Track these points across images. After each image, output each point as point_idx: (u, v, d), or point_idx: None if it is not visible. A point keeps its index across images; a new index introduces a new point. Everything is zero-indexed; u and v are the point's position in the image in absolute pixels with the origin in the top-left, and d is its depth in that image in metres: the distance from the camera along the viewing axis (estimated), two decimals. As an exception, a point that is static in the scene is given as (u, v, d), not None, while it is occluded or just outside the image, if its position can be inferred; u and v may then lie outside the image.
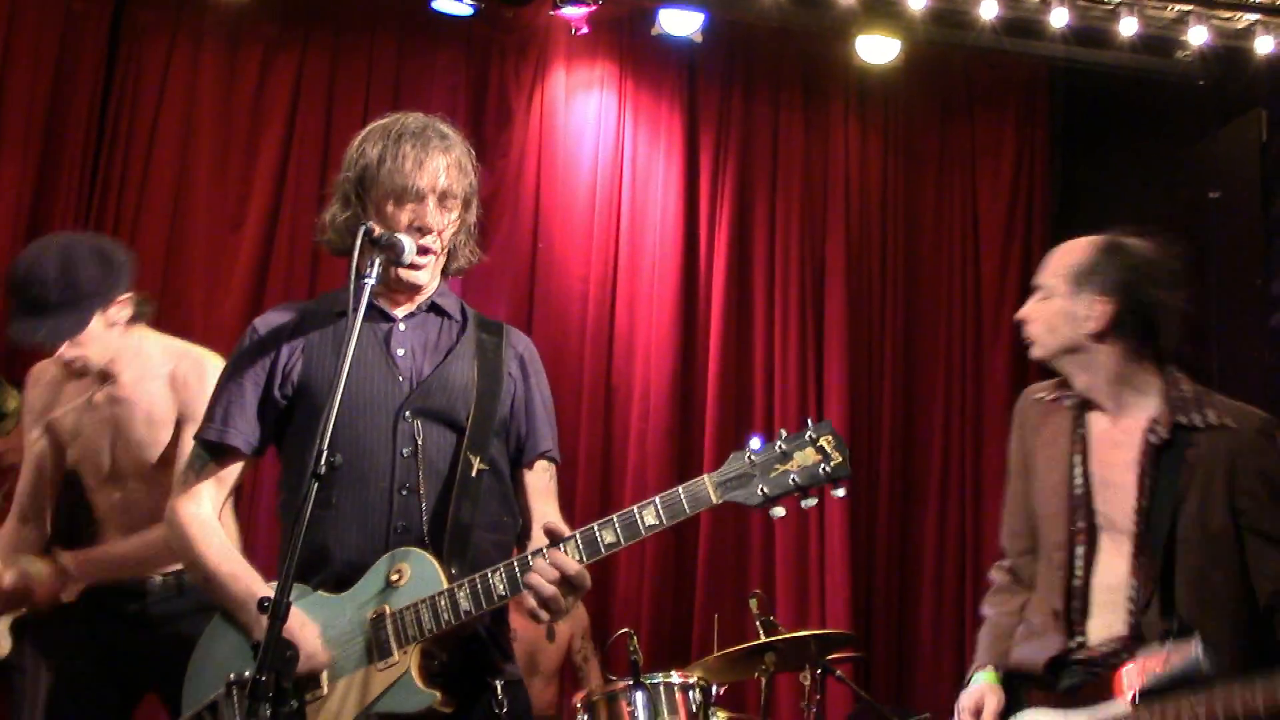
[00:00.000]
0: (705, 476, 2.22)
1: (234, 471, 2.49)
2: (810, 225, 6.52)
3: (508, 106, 6.36)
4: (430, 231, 2.43)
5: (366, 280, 2.26)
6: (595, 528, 2.24)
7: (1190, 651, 2.52)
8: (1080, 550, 2.73)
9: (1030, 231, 6.58)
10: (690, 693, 4.24)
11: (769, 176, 6.55)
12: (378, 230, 2.33)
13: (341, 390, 2.14)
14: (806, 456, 2.21)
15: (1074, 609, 2.71)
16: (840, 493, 2.24)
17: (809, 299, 6.43)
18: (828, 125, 6.63)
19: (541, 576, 2.20)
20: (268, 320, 2.53)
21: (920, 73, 6.51)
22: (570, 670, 5.49)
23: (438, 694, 2.23)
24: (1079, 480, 2.76)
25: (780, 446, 2.23)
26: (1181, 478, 2.67)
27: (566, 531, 2.26)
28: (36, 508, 3.29)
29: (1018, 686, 2.77)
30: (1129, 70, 5.80)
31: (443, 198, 2.44)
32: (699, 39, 6.08)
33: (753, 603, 4.70)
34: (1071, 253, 2.86)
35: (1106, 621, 2.68)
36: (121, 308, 3.12)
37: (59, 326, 2.99)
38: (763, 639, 4.50)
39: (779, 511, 2.24)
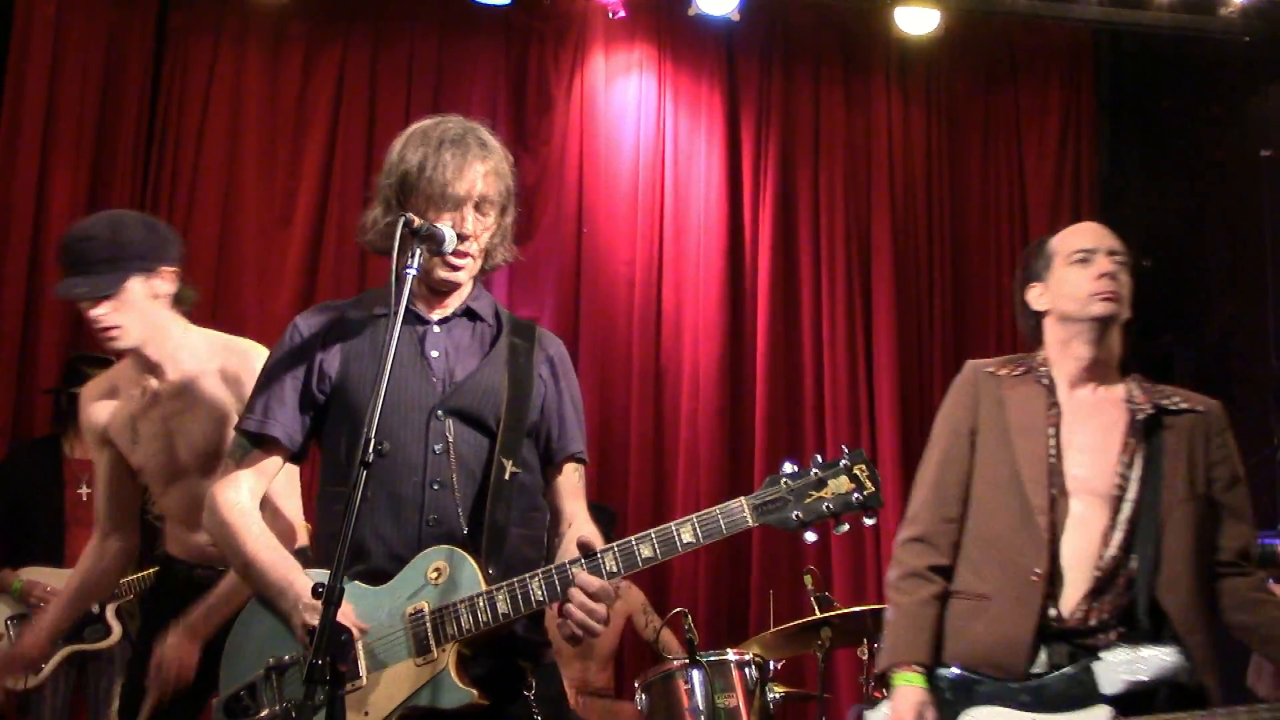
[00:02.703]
0: (743, 500, 2.27)
1: (274, 463, 2.53)
2: (855, 200, 6.50)
3: (548, 93, 6.39)
4: (468, 238, 2.46)
5: (408, 271, 2.29)
6: (634, 542, 2.28)
7: (1171, 660, 2.61)
8: (1060, 514, 2.76)
9: (1079, 197, 6.51)
10: (746, 669, 4.27)
11: (812, 153, 6.53)
12: (417, 221, 2.35)
13: (387, 379, 2.17)
14: (840, 484, 2.27)
15: (1056, 573, 2.72)
16: (870, 521, 2.29)
17: (856, 274, 6.42)
18: (869, 99, 6.60)
19: (579, 609, 2.26)
20: (308, 319, 2.57)
21: (961, 42, 6.47)
22: (638, 649, 5.52)
23: (474, 691, 2.27)
24: (1053, 448, 2.80)
25: (815, 473, 2.28)
26: (1164, 450, 2.78)
27: (599, 545, 2.30)
28: (118, 520, 3.32)
29: (960, 681, 2.74)
30: (1170, 30, 5.71)
31: (480, 204, 2.47)
32: (737, 17, 6.08)
33: (807, 579, 4.70)
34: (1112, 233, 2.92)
35: (1076, 588, 2.71)
36: (165, 280, 3.10)
37: (100, 282, 2.98)
38: (818, 615, 4.50)
39: (811, 536, 2.29)
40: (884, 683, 2.89)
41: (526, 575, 2.28)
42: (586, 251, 6.33)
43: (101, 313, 3.00)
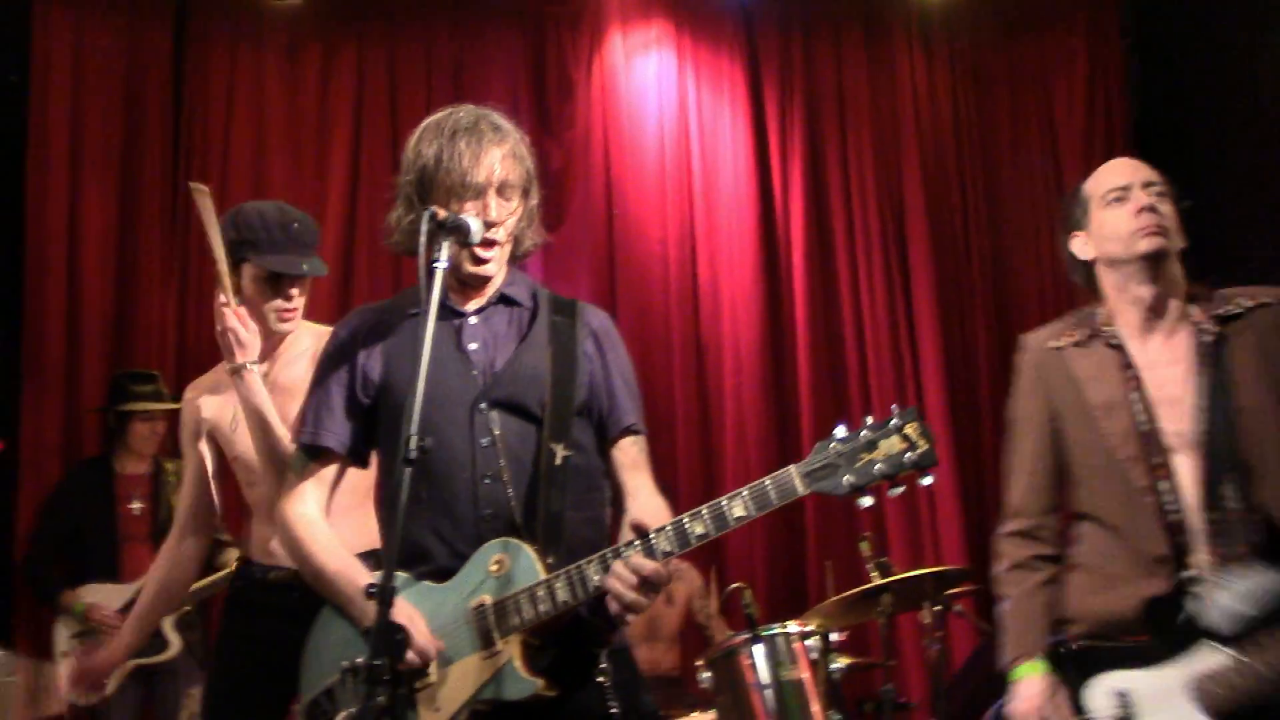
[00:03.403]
0: (792, 468, 2.22)
1: (332, 471, 2.53)
2: (885, 164, 6.43)
3: (568, 78, 6.36)
4: (494, 224, 2.43)
5: (437, 265, 2.27)
6: (685, 520, 2.25)
7: (1268, 579, 2.51)
8: (1166, 485, 2.64)
9: (1112, 145, 6.38)
10: (809, 641, 4.22)
11: (838, 119, 6.47)
12: (442, 214, 2.33)
13: (423, 378, 2.16)
14: (892, 445, 2.20)
15: (1180, 546, 2.61)
16: (927, 480, 2.22)
17: (891, 238, 6.35)
18: (893, 60, 6.53)
19: (621, 584, 2.21)
20: (347, 323, 2.56)
21: (981, -5, 6.37)
22: (694, 632, 5.51)
23: (540, 681, 2.25)
24: (1141, 415, 2.68)
25: (865, 435, 2.21)
26: (1234, 362, 2.65)
27: (652, 527, 2.26)
28: (199, 522, 3.35)
29: (1079, 654, 2.68)
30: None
31: (501, 189, 2.44)
32: (753, -14, 6.02)
33: (864, 546, 4.66)
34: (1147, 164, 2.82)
35: (1200, 540, 2.60)
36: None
37: (316, 265, 3.12)
38: (877, 581, 4.46)
39: (866, 500, 2.23)
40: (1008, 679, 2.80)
41: (583, 561, 2.25)
42: (618, 233, 6.29)
43: (297, 292, 3.13)
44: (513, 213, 2.46)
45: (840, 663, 4.30)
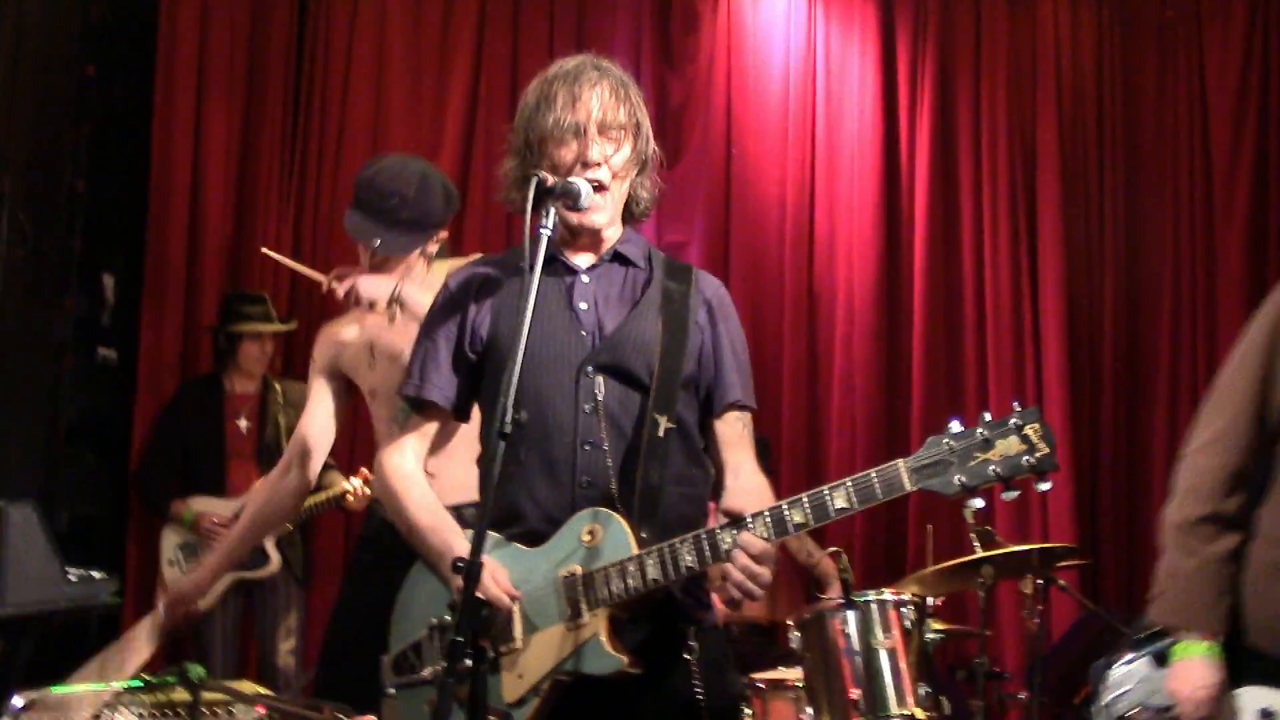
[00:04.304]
0: (900, 462, 2.12)
1: (434, 425, 2.53)
2: (1019, 112, 6.16)
3: (694, 10, 6.20)
4: (596, 165, 2.37)
5: (543, 232, 2.22)
6: (784, 507, 2.19)
7: None
8: None
9: (1266, 103, 6.04)
10: (903, 610, 4.15)
11: (972, 62, 6.20)
12: (550, 179, 2.28)
13: (522, 349, 2.13)
14: (1010, 445, 2.07)
15: None
16: (1045, 486, 2.09)
17: (1020, 190, 6.10)
18: (1035, 4, 6.21)
19: (742, 572, 2.17)
20: (458, 277, 2.54)
21: (1137, -64, 6.04)
22: (785, 585, 5.46)
23: (625, 658, 2.22)
24: None
25: (981, 433, 2.09)
26: None
27: (750, 509, 2.21)
28: (305, 458, 3.33)
29: (1252, 657, 2.39)
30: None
31: (603, 129, 2.37)
32: (891, -77, 5.77)
33: (967, 513, 4.54)
34: None
35: None
36: (436, 243, 3.23)
37: (395, 242, 3.10)
38: (979, 554, 4.36)
39: (977, 502, 2.12)
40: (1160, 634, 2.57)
41: (677, 540, 2.21)
42: (736, 173, 6.16)
43: (374, 264, 3.15)
44: (620, 155, 2.39)
45: (935, 633, 4.23)
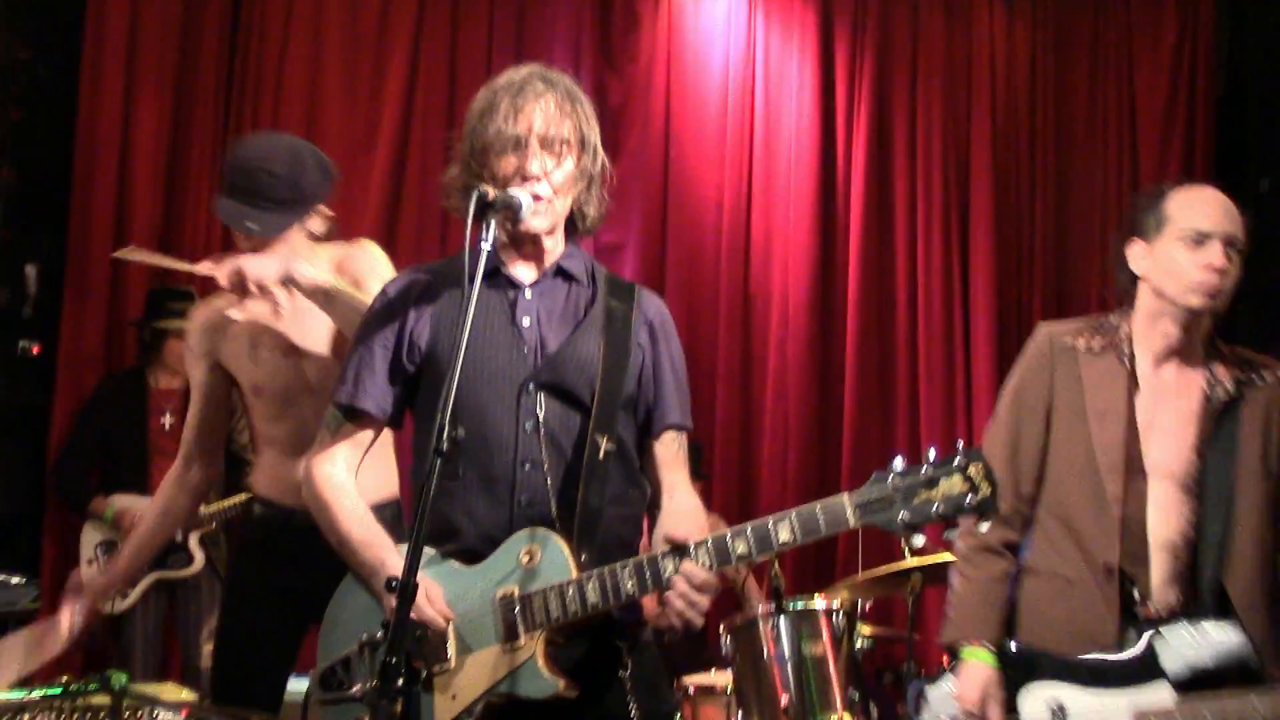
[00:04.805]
0: (844, 496, 2.13)
1: (367, 435, 2.48)
2: (954, 121, 6.24)
3: (634, 10, 6.19)
4: (536, 178, 2.34)
5: (483, 246, 2.18)
6: (728, 537, 2.18)
7: (1234, 639, 2.55)
8: (1134, 505, 2.69)
9: (1193, 119, 6.16)
10: (834, 618, 4.18)
11: (909, 70, 6.27)
12: (492, 193, 2.25)
13: (460, 365, 2.09)
14: (953, 485, 2.09)
15: (1131, 562, 2.68)
16: (985, 527, 2.14)
17: (954, 198, 6.18)
18: (970, 12, 6.30)
19: (683, 600, 2.17)
20: (398, 284, 2.49)
21: (1069, -51, 6.11)
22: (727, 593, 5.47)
23: (561, 682, 2.20)
24: (1131, 433, 2.72)
25: (925, 472, 2.11)
26: (1241, 429, 2.70)
27: (684, 533, 2.21)
28: (205, 448, 3.24)
29: (1022, 656, 2.72)
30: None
31: (545, 143, 2.34)
32: (832, -71, 5.79)
33: (907, 549, 4.55)
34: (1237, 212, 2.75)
35: (1160, 573, 2.68)
36: (318, 219, 3.08)
37: (272, 222, 2.95)
38: (908, 562, 4.40)
39: (919, 540, 2.20)
40: (952, 654, 2.83)
41: (618, 565, 2.20)
42: (673, 174, 6.16)
43: (253, 248, 2.97)
44: (563, 170, 2.36)
45: (864, 640, 4.27)
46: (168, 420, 5.12)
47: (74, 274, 5.42)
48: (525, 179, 2.32)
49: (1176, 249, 2.68)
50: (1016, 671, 2.71)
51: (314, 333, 3.07)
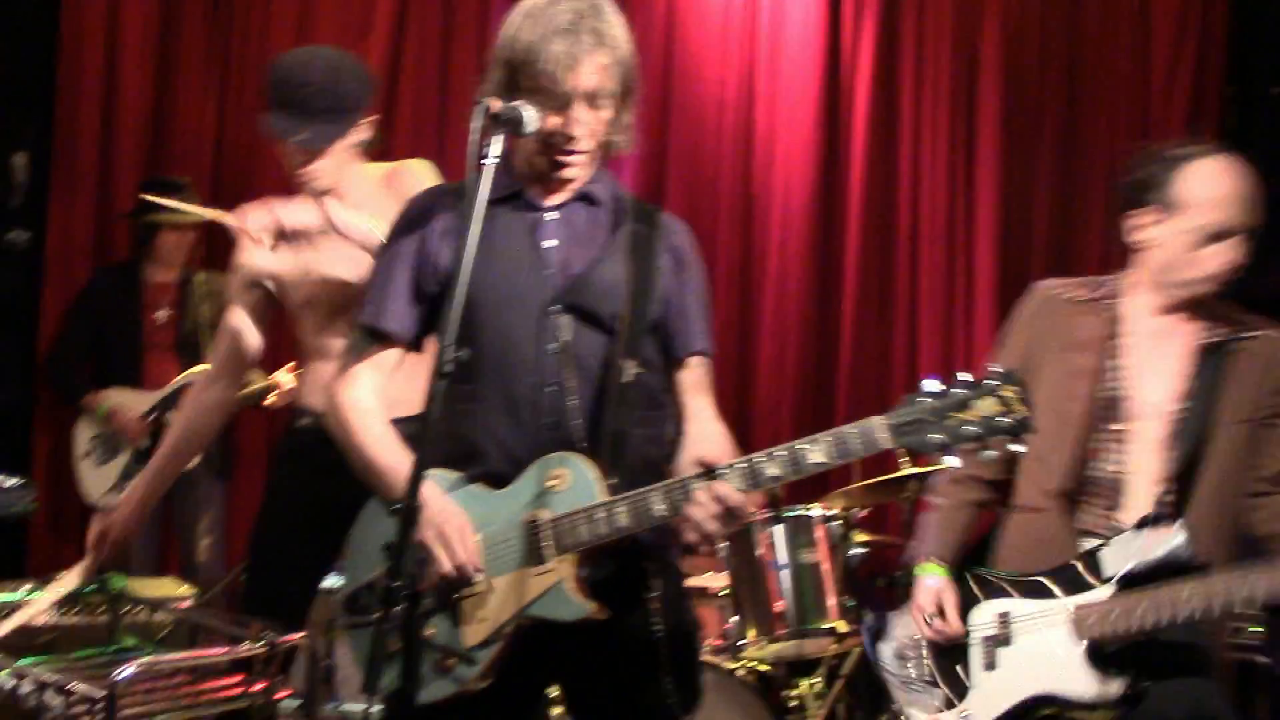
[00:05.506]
0: (876, 419, 2.11)
1: (391, 355, 2.44)
2: (963, 14, 6.06)
3: (636, -102, 5.98)
4: (574, 139, 2.31)
5: (485, 160, 2.14)
6: (761, 459, 2.16)
7: (1174, 537, 2.61)
8: (1115, 446, 2.78)
9: (1208, 20, 6.00)
10: (830, 525, 4.21)
11: (919, -35, 6.08)
12: (496, 106, 2.19)
13: (465, 285, 2.07)
14: (987, 406, 2.09)
15: (1095, 493, 2.79)
16: (1020, 448, 2.10)
17: (960, 103, 6.02)
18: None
19: (704, 511, 2.13)
20: (419, 202, 2.45)
21: None
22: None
23: (592, 605, 2.21)
24: (1110, 372, 2.79)
25: (959, 394, 2.10)
26: (1230, 373, 2.73)
27: (712, 456, 2.19)
28: (230, 370, 3.21)
29: (983, 580, 2.88)
30: None
31: (592, 98, 2.30)
32: None
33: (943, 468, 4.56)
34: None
35: (1141, 505, 2.74)
36: (362, 130, 3.11)
37: (321, 133, 2.99)
38: (904, 471, 4.40)
39: (953, 460, 2.20)
40: (907, 575, 3.01)
41: (647, 489, 2.18)
42: (676, 68, 6.00)
43: (306, 159, 3.03)
44: (603, 121, 2.33)
45: (859, 548, 4.30)
46: (162, 315, 5.08)
47: (61, 164, 5.31)
48: (569, 138, 2.30)
49: (1192, 241, 2.67)
50: (968, 593, 2.88)
51: (354, 258, 3.05)
